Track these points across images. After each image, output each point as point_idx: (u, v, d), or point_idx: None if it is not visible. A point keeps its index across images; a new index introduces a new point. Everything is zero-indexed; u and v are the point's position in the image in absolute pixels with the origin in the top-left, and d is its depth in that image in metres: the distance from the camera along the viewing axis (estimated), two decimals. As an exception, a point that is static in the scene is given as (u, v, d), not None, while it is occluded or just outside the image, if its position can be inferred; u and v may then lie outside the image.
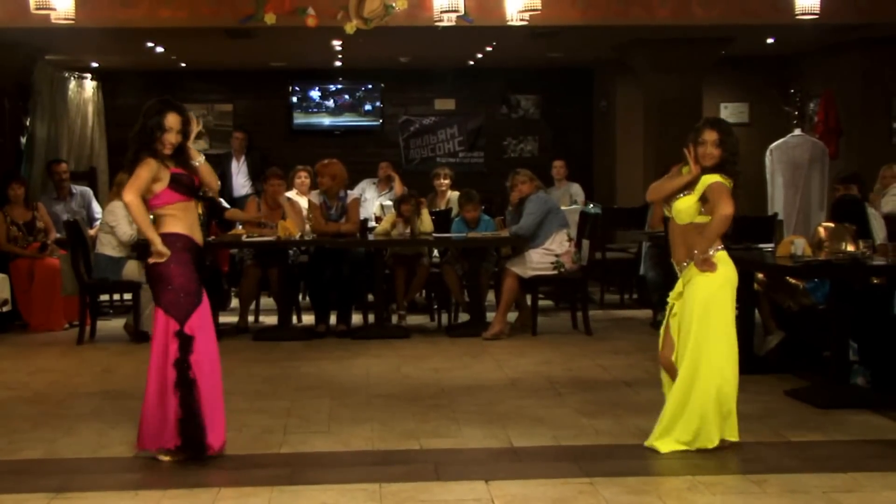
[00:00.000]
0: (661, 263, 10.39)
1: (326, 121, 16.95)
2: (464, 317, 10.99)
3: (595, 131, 17.02)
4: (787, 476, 5.50)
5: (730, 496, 5.20)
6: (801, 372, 8.05)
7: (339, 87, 16.98)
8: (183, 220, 6.06)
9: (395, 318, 10.93)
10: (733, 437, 6.02)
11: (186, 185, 6.07)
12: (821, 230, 7.91)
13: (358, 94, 16.99)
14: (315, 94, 16.95)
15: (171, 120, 5.99)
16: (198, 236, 6.17)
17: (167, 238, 5.99)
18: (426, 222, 10.71)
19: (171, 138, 5.99)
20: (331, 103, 16.99)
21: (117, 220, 10.25)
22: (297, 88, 16.83)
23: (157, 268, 5.96)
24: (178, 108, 6.07)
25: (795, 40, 13.65)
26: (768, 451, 6.08)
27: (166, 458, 5.90)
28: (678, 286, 6.16)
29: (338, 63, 15.59)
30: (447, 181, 12.24)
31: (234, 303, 11.51)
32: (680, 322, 6.08)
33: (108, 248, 10.34)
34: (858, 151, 13.73)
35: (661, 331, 6.26)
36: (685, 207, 6.12)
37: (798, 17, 10.29)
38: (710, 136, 6.12)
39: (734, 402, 6.02)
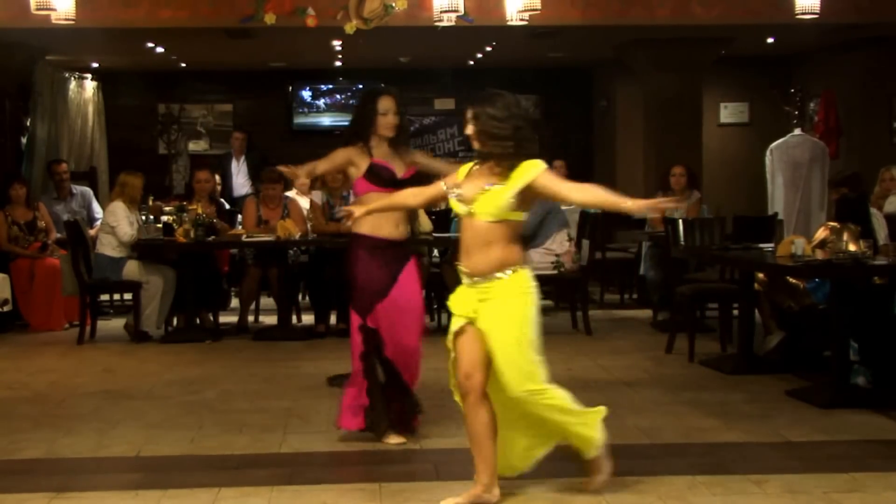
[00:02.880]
0: (662, 263, 10.40)
1: (326, 120, 16.96)
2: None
3: (595, 131, 17.03)
4: (788, 476, 5.49)
5: (730, 496, 5.20)
6: (802, 372, 8.04)
7: (339, 86, 16.99)
8: (378, 215, 6.08)
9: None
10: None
11: (384, 178, 6.19)
12: (822, 230, 7.94)
13: (358, 93, 16.98)
14: (315, 93, 16.96)
15: (386, 103, 6.27)
16: (388, 230, 6.21)
17: (356, 239, 6.24)
18: (424, 222, 10.71)
19: (390, 120, 6.27)
20: (331, 103, 16.99)
21: (118, 220, 10.25)
22: (297, 88, 16.83)
23: (347, 267, 6.25)
24: (392, 92, 6.37)
25: (796, 40, 13.65)
26: (769, 451, 6.07)
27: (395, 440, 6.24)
28: (471, 302, 5.12)
29: (338, 63, 15.60)
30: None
31: (235, 303, 11.51)
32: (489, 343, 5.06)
33: (108, 248, 10.33)
34: (859, 151, 13.73)
35: (453, 345, 5.26)
36: (497, 201, 5.00)
37: (798, 16, 10.29)
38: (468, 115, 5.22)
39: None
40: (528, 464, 5.30)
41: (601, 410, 5.18)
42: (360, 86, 16.92)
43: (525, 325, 5.00)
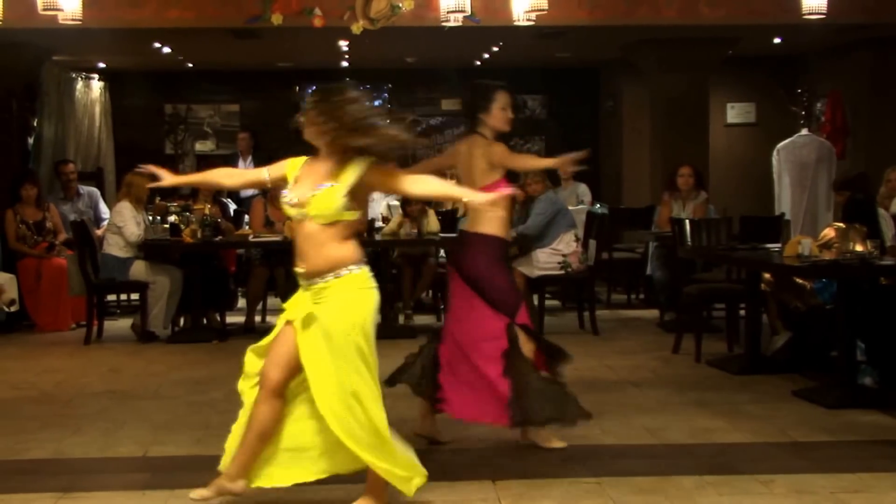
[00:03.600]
0: (669, 263, 10.40)
1: (333, 121, 16.93)
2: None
3: (602, 131, 17.01)
4: (795, 476, 5.49)
5: (737, 496, 5.19)
6: (809, 372, 8.04)
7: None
8: (502, 218, 6.04)
9: (401, 318, 10.93)
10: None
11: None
12: (829, 230, 7.93)
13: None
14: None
15: (505, 98, 6.13)
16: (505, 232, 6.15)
17: (484, 239, 6.07)
18: (432, 222, 10.72)
19: (510, 115, 6.13)
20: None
21: (124, 220, 10.27)
22: (303, 89, 16.83)
23: (483, 270, 6.04)
24: (506, 87, 6.18)
25: (802, 40, 13.63)
26: (775, 451, 6.07)
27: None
28: (306, 305, 4.92)
29: (344, 63, 15.59)
30: (454, 181, 12.19)
31: (242, 303, 11.52)
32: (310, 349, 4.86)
33: (115, 248, 10.35)
34: (865, 151, 13.70)
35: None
36: (330, 203, 4.83)
37: (805, 16, 10.27)
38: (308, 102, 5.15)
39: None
40: (287, 483, 5.08)
41: (419, 472, 4.97)
42: (367, 86, 16.94)
43: (356, 328, 4.82)
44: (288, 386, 4.96)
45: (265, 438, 4.95)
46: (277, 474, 5.03)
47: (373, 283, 4.92)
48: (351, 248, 4.89)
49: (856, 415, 6.85)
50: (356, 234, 4.99)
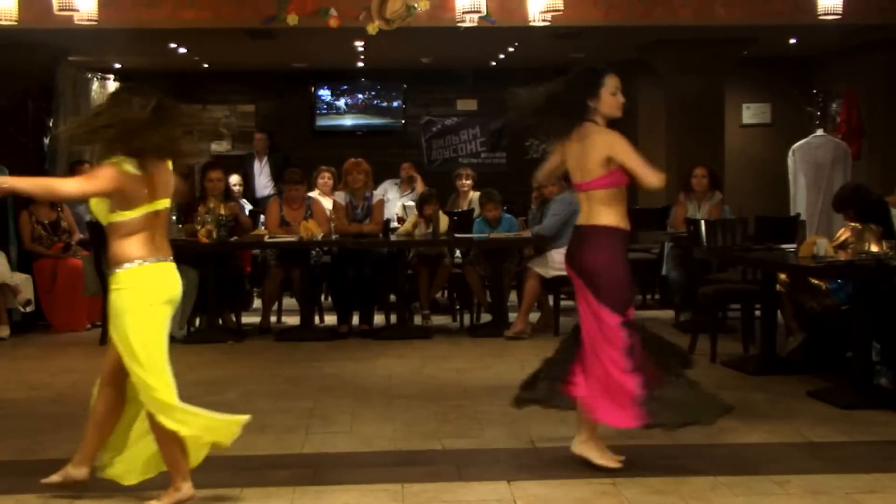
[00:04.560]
0: (684, 264, 10.38)
1: (349, 121, 16.99)
2: (486, 317, 11.00)
3: (617, 132, 16.97)
4: (810, 477, 5.48)
5: (752, 497, 5.19)
6: (824, 373, 8.01)
7: (362, 87, 17.02)
8: (615, 209, 5.72)
9: (418, 319, 10.95)
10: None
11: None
12: (845, 231, 7.91)
13: (380, 94, 17.02)
14: (337, 94, 16.99)
15: (614, 81, 5.84)
16: (626, 223, 5.78)
17: (605, 231, 5.69)
18: (443, 223, 10.73)
19: (621, 100, 5.86)
20: (353, 104, 17.03)
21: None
22: (319, 89, 16.87)
23: (605, 261, 5.68)
24: (614, 69, 5.87)
25: (818, 40, 13.59)
26: (790, 451, 6.06)
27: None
28: None
29: (360, 64, 15.62)
30: (469, 182, 12.23)
31: (257, 303, 11.54)
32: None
33: (130, 248, 10.36)
34: (881, 152, 13.67)
35: None
36: (99, 205, 5.13)
37: (821, 17, 10.25)
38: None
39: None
40: (125, 482, 5.33)
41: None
42: (383, 87, 16.98)
43: (115, 324, 5.09)
44: (124, 379, 5.25)
45: (101, 427, 5.29)
46: (121, 472, 5.33)
47: (124, 285, 5.03)
48: (121, 247, 5.03)
49: (871, 415, 6.83)
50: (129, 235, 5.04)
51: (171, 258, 5.24)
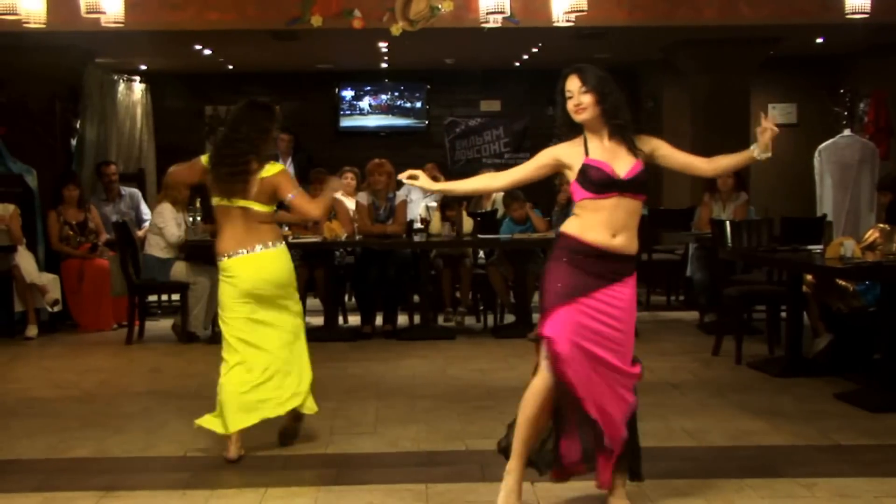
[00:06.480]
0: (709, 265, 10.35)
1: (372, 122, 17.00)
2: (509, 318, 10.99)
3: (642, 132, 16.92)
4: (837, 480, 5.45)
5: (778, 499, 5.16)
6: (851, 375, 7.97)
7: (385, 88, 17.04)
8: (581, 219, 5.14)
9: (442, 319, 10.94)
10: None
11: (593, 182, 5.10)
12: (872, 231, 7.86)
13: (404, 95, 17.03)
14: (361, 95, 17.01)
15: (567, 84, 5.45)
16: (598, 237, 5.09)
17: (560, 237, 5.20)
18: (467, 224, 10.72)
19: (573, 102, 5.39)
20: (377, 105, 17.04)
21: (165, 221, 10.34)
22: (343, 90, 16.89)
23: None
24: (575, 70, 5.49)
25: (845, 40, 13.50)
26: (818, 454, 6.02)
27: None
28: None
29: (384, 65, 15.63)
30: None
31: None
32: None
33: (156, 249, 10.43)
34: (909, 152, 13.59)
35: None
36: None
37: (848, 16, 10.17)
38: None
39: None
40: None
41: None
42: (406, 87, 16.99)
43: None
44: None
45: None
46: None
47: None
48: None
49: (899, 418, 6.80)
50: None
51: None
